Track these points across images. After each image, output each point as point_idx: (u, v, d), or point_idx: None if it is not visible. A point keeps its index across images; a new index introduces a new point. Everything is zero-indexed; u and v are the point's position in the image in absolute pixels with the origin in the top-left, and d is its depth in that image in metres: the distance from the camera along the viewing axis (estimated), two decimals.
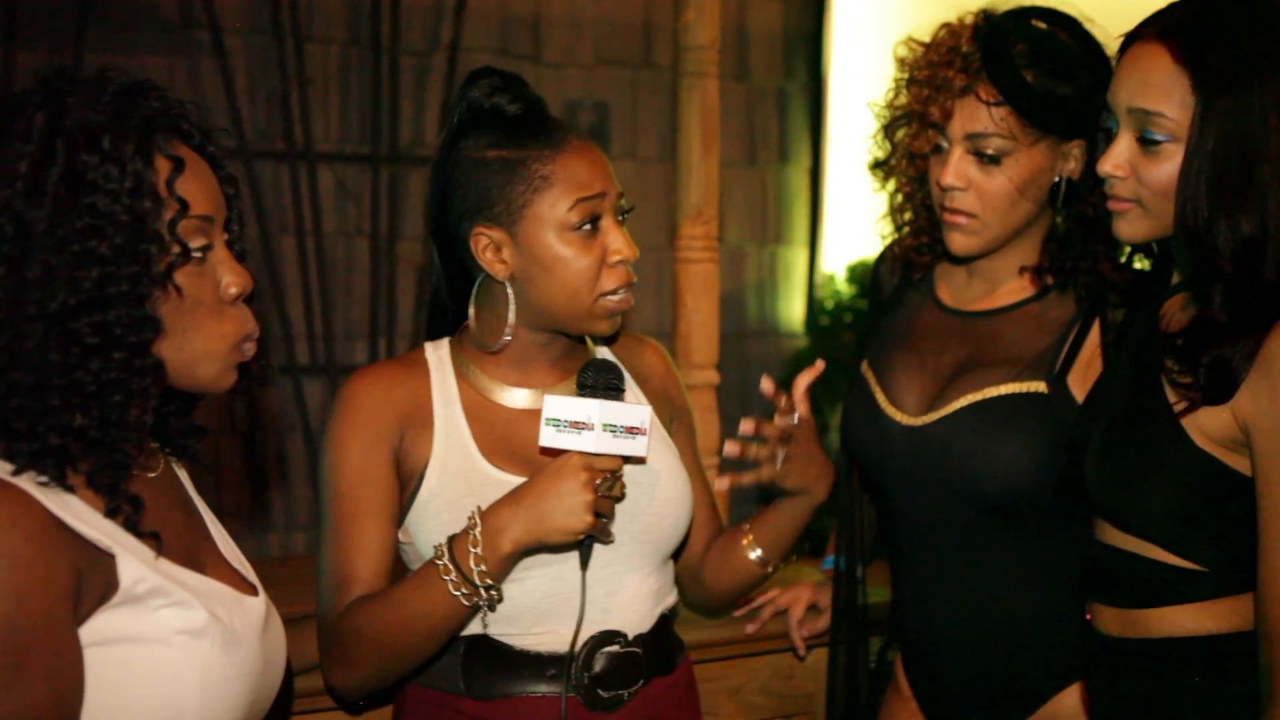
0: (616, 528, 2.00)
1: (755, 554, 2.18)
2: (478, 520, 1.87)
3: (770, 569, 2.21)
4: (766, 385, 2.13)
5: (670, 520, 2.06)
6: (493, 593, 1.88)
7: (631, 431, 1.89)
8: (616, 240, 1.97)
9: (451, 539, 1.89)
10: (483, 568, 1.86)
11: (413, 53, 4.62)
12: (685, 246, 3.05)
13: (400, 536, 2.01)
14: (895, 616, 2.40)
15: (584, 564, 1.94)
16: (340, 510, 1.99)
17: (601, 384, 1.93)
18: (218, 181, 1.64)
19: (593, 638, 1.99)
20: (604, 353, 2.18)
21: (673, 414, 2.21)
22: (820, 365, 2.14)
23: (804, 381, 2.13)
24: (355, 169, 4.58)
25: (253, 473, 4.43)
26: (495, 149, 1.98)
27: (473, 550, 1.86)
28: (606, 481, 1.88)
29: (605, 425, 1.87)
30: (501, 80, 2.02)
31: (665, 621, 2.09)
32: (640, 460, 1.97)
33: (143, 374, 1.55)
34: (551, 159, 1.97)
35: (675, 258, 3.09)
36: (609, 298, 1.98)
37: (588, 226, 1.96)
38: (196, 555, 1.67)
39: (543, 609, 1.97)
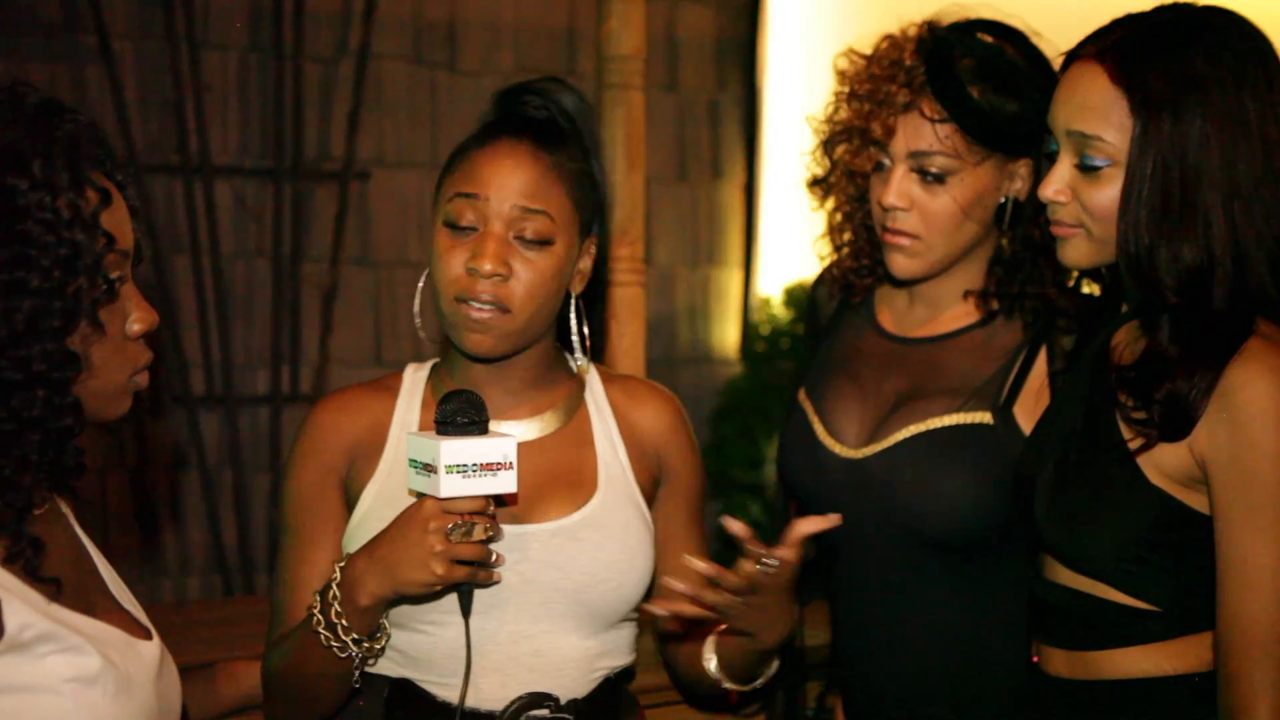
0: (546, 583, 1.99)
1: (711, 664, 2.10)
2: (338, 572, 1.89)
3: (730, 688, 2.13)
4: (735, 528, 1.90)
5: (611, 584, 2.02)
6: (364, 645, 1.90)
7: (490, 468, 1.83)
8: (480, 246, 1.94)
9: (323, 590, 1.90)
10: (344, 621, 1.87)
11: (318, 59, 4.61)
12: (609, 269, 3.06)
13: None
14: (835, 659, 2.42)
15: (464, 612, 1.91)
16: (288, 544, 2.03)
17: (456, 418, 1.85)
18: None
19: (520, 699, 1.98)
20: (594, 385, 2.14)
21: (663, 476, 2.14)
22: (837, 519, 1.93)
23: (807, 529, 1.92)
24: (255, 184, 4.55)
25: (143, 512, 4.38)
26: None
27: (333, 604, 1.88)
28: (460, 527, 1.83)
29: (451, 466, 1.81)
30: (517, 88, 2.07)
31: (609, 686, 2.06)
32: (510, 497, 1.92)
33: (61, 413, 1.56)
34: (471, 152, 2.00)
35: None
36: (463, 306, 1.96)
37: (460, 220, 1.96)
38: (86, 597, 1.66)
39: (462, 658, 1.95)
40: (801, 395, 2.41)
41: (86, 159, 1.58)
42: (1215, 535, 1.81)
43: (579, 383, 2.13)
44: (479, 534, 1.85)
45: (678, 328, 5.34)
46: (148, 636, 1.71)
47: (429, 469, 1.83)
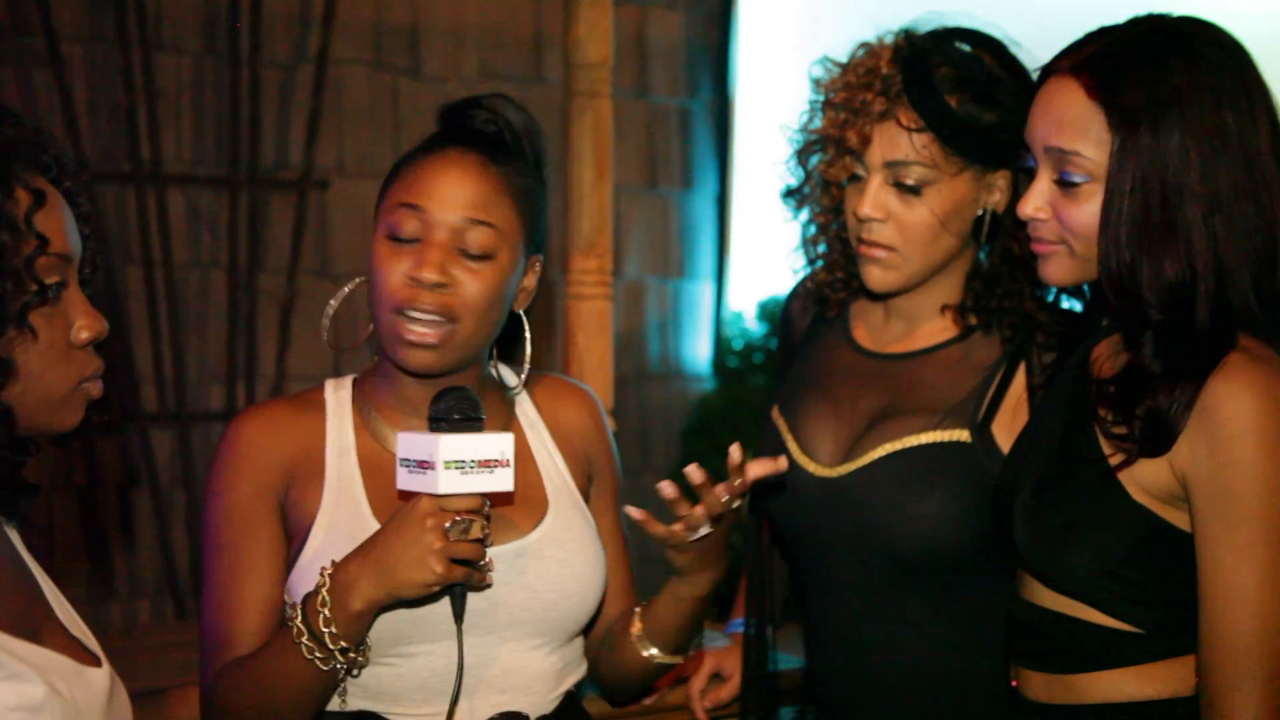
0: (514, 603, 2.00)
1: (648, 651, 2.12)
2: (327, 578, 1.87)
3: (668, 661, 2.15)
4: (736, 454, 1.98)
5: (578, 598, 2.05)
6: (350, 656, 1.88)
7: (487, 465, 1.84)
8: (422, 255, 1.95)
9: (306, 598, 1.89)
10: (333, 629, 1.86)
11: (276, 65, 4.60)
12: (576, 281, 3.07)
13: (285, 597, 2.00)
14: (809, 683, 2.42)
15: (457, 617, 1.91)
16: (220, 565, 2.00)
17: (452, 414, 1.87)
18: (76, 219, 1.65)
19: (494, 719, 2.00)
20: (520, 396, 2.16)
21: (592, 473, 2.19)
22: (783, 463, 2.01)
23: (758, 471, 1.99)
24: (210, 193, 4.54)
25: (91, 534, 4.35)
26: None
27: (321, 610, 1.86)
28: (459, 524, 1.84)
29: (449, 462, 1.82)
30: (468, 101, 2.08)
31: (570, 700, 2.09)
32: (506, 495, 1.93)
33: None
34: (414, 162, 2.01)
35: (566, 293, 3.10)
36: (402, 319, 1.96)
37: (401, 231, 1.97)
38: (32, 623, 1.65)
39: (432, 688, 1.96)
40: (775, 412, 2.42)
41: (21, 161, 1.58)
42: (1197, 553, 1.82)
43: (507, 397, 2.14)
44: (476, 532, 1.85)
45: (647, 342, 5.35)
46: (97, 663, 1.70)
47: (424, 466, 1.83)
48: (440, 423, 1.87)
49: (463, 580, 1.88)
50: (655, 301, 5.38)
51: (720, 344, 5.42)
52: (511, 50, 4.99)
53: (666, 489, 1.96)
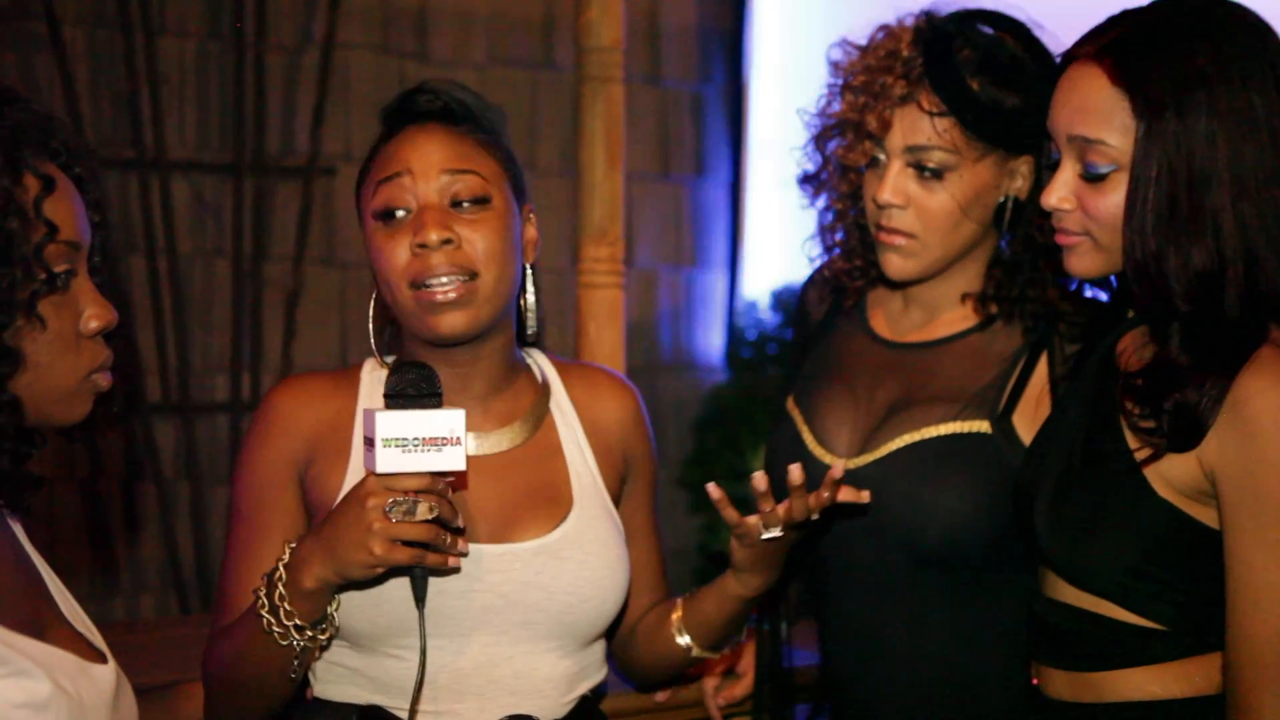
0: (529, 604, 1.99)
1: (684, 640, 2.16)
2: (286, 553, 1.89)
3: (701, 655, 2.19)
4: (797, 475, 2.01)
5: (595, 602, 2.04)
6: (308, 634, 1.89)
7: (434, 443, 1.81)
8: (420, 221, 1.96)
9: (269, 573, 1.90)
10: (287, 605, 1.87)
11: (281, 49, 4.60)
12: (588, 270, 3.07)
13: None
14: (825, 680, 2.42)
15: (418, 600, 1.90)
16: (238, 534, 2.04)
17: (406, 390, 1.85)
18: (85, 206, 1.65)
19: None
20: (555, 386, 2.16)
21: (629, 471, 2.19)
22: (867, 496, 2.10)
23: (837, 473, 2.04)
24: (215, 180, 4.54)
25: (94, 527, 4.36)
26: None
27: (278, 587, 1.88)
28: (400, 504, 1.80)
29: (388, 440, 1.79)
30: (434, 83, 2.10)
31: (585, 704, 2.09)
32: (458, 474, 1.88)
33: None
34: (384, 144, 2.04)
35: (577, 282, 3.10)
36: (422, 291, 1.96)
37: (392, 210, 1.98)
38: (36, 619, 1.65)
39: (440, 683, 1.97)
40: (790, 403, 2.41)
41: (30, 146, 1.58)
42: (1224, 551, 1.81)
43: (542, 386, 2.14)
44: (423, 513, 1.82)
45: (659, 332, 5.35)
46: (102, 660, 1.71)
47: (370, 443, 1.82)
48: (394, 399, 1.85)
49: (410, 562, 1.85)
50: (668, 291, 5.38)
51: (734, 334, 5.42)
52: (521, 34, 4.99)
53: (714, 490, 2.02)
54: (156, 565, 4.47)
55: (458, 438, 1.82)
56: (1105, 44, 1.88)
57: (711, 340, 5.45)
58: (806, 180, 2.41)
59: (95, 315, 1.64)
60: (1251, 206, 1.80)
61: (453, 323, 1.97)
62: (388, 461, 1.80)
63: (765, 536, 2.02)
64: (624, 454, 2.18)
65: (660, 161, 5.36)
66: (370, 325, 2.10)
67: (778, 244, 5.24)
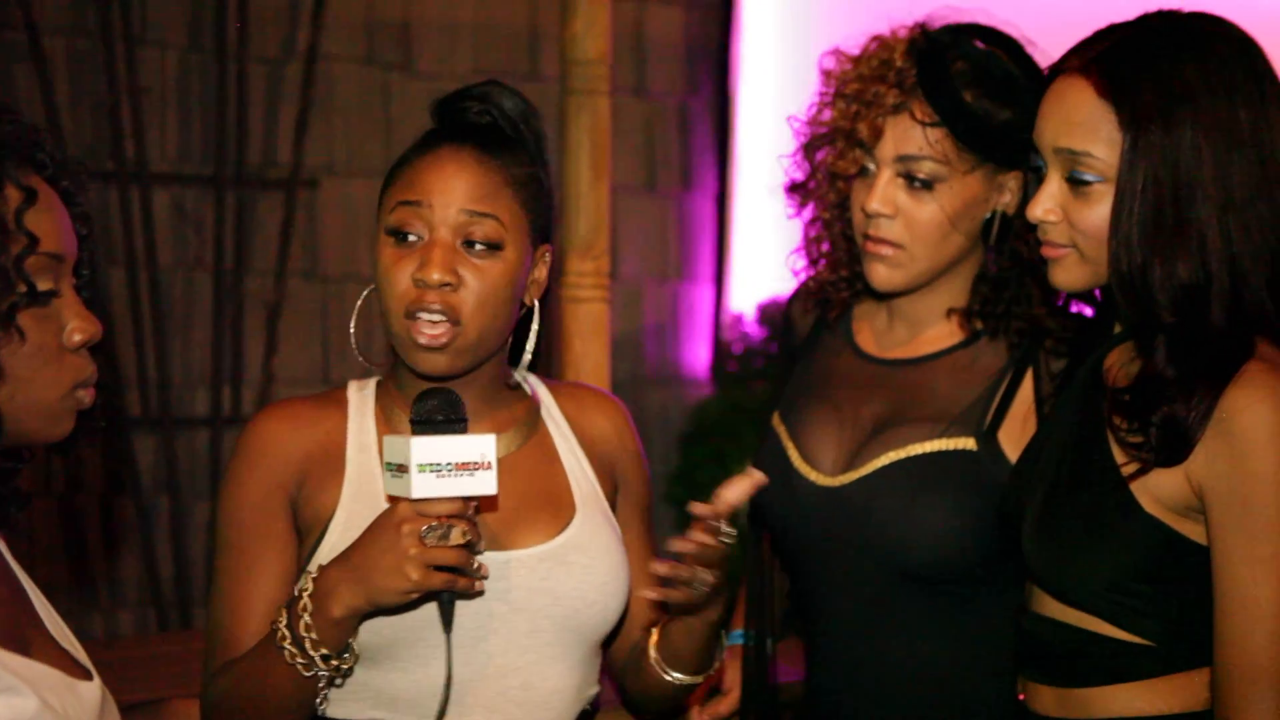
0: (535, 610, 2.00)
1: (670, 675, 2.13)
2: (309, 583, 1.88)
3: (689, 683, 2.16)
4: (700, 509, 1.97)
5: (600, 606, 2.05)
6: (332, 664, 1.88)
7: (466, 468, 1.83)
8: (425, 255, 1.96)
9: (290, 601, 1.90)
10: (314, 635, 1.86)
11: (263, 60, 4.61)
12: (573, 284, 3.07)
13: None
14: (810, 697, 2.42)
15: (445, 625, 1.90)
16: (229, 566, 2.01)
17: (435, 416, 1.87)
18: (70, 219, 1.65)
19: None
20: (547, 400, 2.17)
21: (618, 483, 2.19)
22: (759, 478, 2.01)
23: (735, 494, 1.99)
24: (196, 192, 4.54)
25: (72, 542, 4.35)
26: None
27: (303, 616, 1.87)
28: (436, 530, 1.82)
29: (423, 465, 1.81)
30: (459, 93, 2.08)
31: (585, 718, 2.10)
32: (490, 500, 1.91)
33: None
34: (410, 162, 2.02)
35: (562, 296, 3.10)
36: (412, 322, 1.96)
37: (404, 232, 1.97)
38: (21, 635, 1.65)
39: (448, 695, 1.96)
40: (776, 419, 2.42)
41: (12, 158, 1.58)
42: (1213, 566, 1.82)
43: (533, 399, 2.15)
44: (456, 537, 1.84)
45: (645, 346, 5.35)
46: (88, 677, 1.70)
47: (402, 470, 1.83)
48: (422, 424, 1.87)
49: (443, 587, 1.87)
50: (653, 304, 5.39)
51: (720, 348, 5.42)
52: (506, 46, 5.00)
53: (660, 568, 1.98)
54: (135, 581, 4.46)
55: (489, 462, 1.84)
56: (1092, 57, 1.89)
57: (697, 354, 5.45)
58: (794, 189, 2.41)
59: (79, 328, 1.63)
60: (1237, 220, 1.82)
61: (433, 364, 1.98)
62: (423, 487, 1.82)
63: (698, 592, 1.98)
64: (613, 468, 2.18)
65: (646, 174, 5.36)
66: (353, 321, 2.10)
67: (765, 257, 5.25)
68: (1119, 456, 1.89)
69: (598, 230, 3.06)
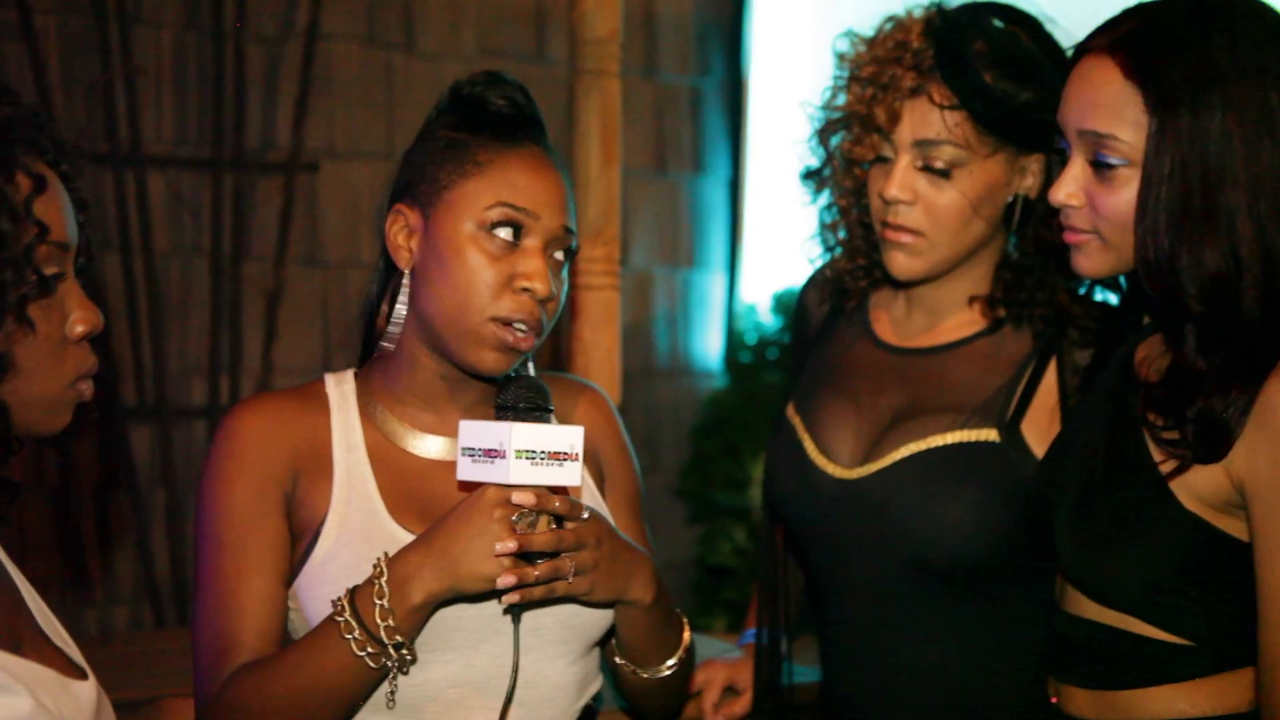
0: (539, 608, 2.00)
1: (645, 673, 2.13)
2: (384, 568, 1.88)
3: (664, 675, 2.13)
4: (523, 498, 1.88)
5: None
6: (403, 652, 1.88)
7: (557, 458, 1.87)
8: (533, 265, 1.97)
9: (354, 590, 1.89)
10: (390, 622, 1.86)
11: (262, 40, 4.60)
12: (583, 271, 3.07)
13: (289, 600, 2.01)
14: (826, 697, 2.42)
15: (516, 619, 1.92)
16: (222, 565, 1.99)
17: (520, 404, 1.92)
18: (72, 205, 1.65)
19: None
20: None
21: (604, 474, 2.19)
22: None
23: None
24: (192, 175, 4.54)
25: (65, 537, 4.35)
26: (450, 129, 2.04)
27: (378, 602, 1.86)
28: (526, 517, 1.86)
29: (520, 451, 1.85)
30: (502, 80, 2.09)
31: (589, 713, 2.11)
32: (574, 491, 1.95)
33: None
34: (497, 151, 2.01)
35: (572, 283, 3.10)
36: (502, 327, 1.97)
37: (505, 232, 1.97)
38: (13, 634, 1.65)
39: (449, 699, 1.97)
40: (790, 410, 2.42)
41: (21, 144, 1.58)
42: (1255, 563, 1.82)
43: None
44: (542, 527, 1.88)
45: (655, 336, 5.35)
46: (82, 676, 1.70)
47: (492, 455, 1.86)
48: (508, 410, 1.92)
49: (540, 578, 1.88)
50: (664, 292, 5.38)
51: (732, 338, 5.42)
52: (512, 25, 4.99)
53: (507, 579, 1.87)
54: (131, 576, 4.46)
55: (577, 454, 1.88)
56: (1119, 37, 1.89)
57: (710, 344, 5.45)
58: (809, 176, 2.41)
59: (81, 320, 1.64)
60: (1269, 206, 1.81)
61: (497, 365, 2.00)
62: (520, 473, 1.85)
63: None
64: (597, 460, 2.18)
65: (657, 158, 5.35)
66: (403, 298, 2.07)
67: (778, 245, 5.24)
68: (1155, 454, 1.88)
69: (607, 215, 3.06)
